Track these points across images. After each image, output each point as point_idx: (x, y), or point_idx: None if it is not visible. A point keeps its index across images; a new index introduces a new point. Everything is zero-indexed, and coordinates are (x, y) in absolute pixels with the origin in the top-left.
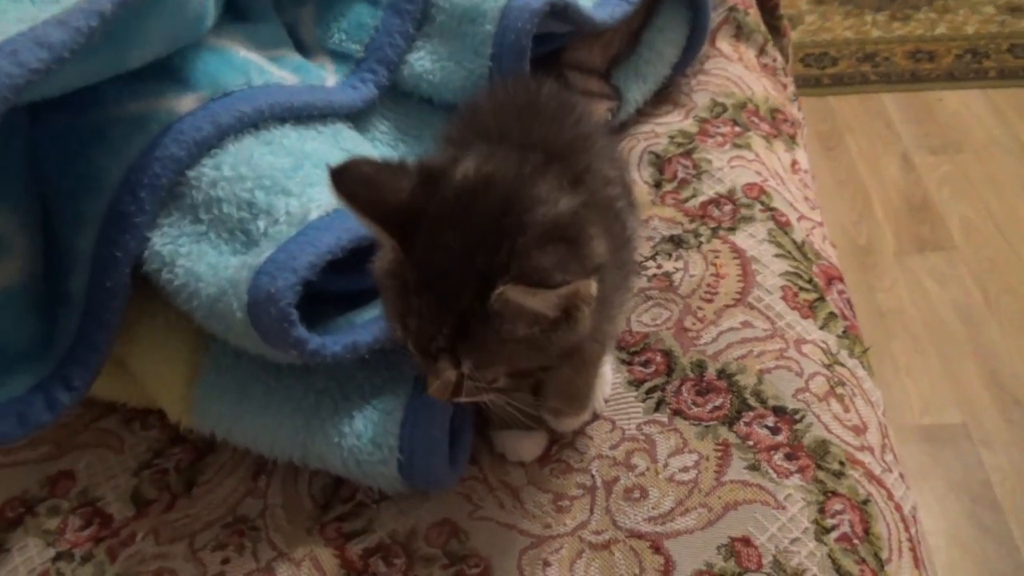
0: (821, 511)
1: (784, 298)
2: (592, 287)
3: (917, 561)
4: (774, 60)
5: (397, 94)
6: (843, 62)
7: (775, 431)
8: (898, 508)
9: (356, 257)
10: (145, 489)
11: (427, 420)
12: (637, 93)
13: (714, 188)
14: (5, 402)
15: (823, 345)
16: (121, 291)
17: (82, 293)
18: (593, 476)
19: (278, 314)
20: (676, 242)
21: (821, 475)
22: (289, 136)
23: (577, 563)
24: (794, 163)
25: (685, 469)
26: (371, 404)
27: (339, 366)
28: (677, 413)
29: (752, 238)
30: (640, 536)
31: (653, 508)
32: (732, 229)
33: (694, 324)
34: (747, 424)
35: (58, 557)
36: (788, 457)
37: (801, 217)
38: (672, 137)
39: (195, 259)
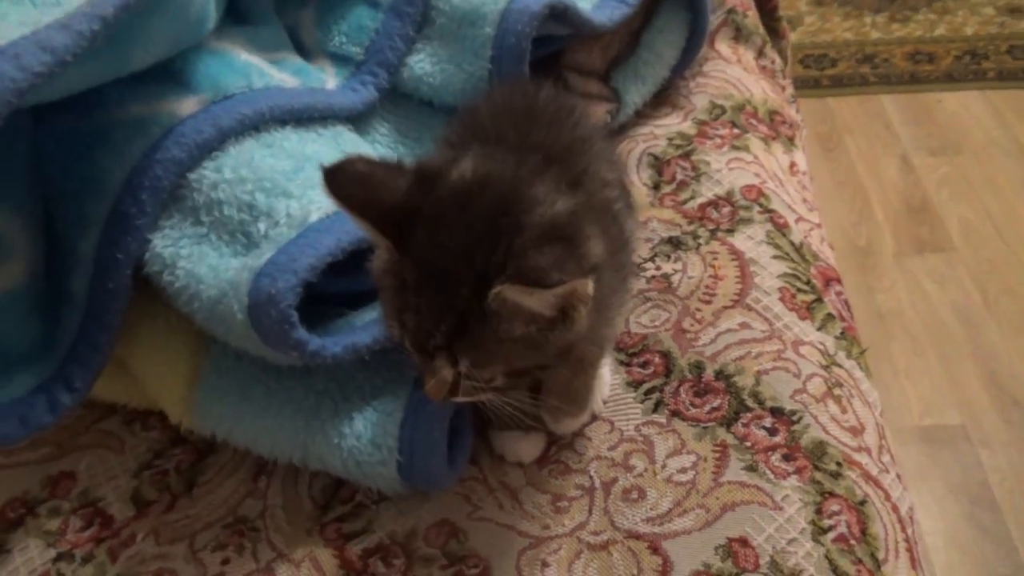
0: (818, 512)
1: (782, 299)
2: (589, 286)
3: (914, 561)
4: (773, 62)
5: (397, 96)
6: (842, 63)
7: (773, 432)
8: (895, 509)
9: (356, 259)
10: (146, 490)
11: (426, 421)
12: (636, 95)
13: (712, 190)
14: (7, 403)
15: (821, 346)
16: (122, 293)
17: (84, 295)
18: (591, 477)
19: (278, 316)
20: (675, 244)
21: (818, 476)
22: (290, 138)
23: (575, 563)
24: (792, 165)
25: (683, 470)
26: (371, 405)
27: (339, 367)
28: (675, 414)
29: (750, 240)
30: (638, 537)
31: (651, 509)
32: (730, 231)
33: (692, 325)
34: (745, 425)
35: (59, 558)
36: (785, 458)
37: (799, 219)
38: (671, 139)
39: (196, 261)
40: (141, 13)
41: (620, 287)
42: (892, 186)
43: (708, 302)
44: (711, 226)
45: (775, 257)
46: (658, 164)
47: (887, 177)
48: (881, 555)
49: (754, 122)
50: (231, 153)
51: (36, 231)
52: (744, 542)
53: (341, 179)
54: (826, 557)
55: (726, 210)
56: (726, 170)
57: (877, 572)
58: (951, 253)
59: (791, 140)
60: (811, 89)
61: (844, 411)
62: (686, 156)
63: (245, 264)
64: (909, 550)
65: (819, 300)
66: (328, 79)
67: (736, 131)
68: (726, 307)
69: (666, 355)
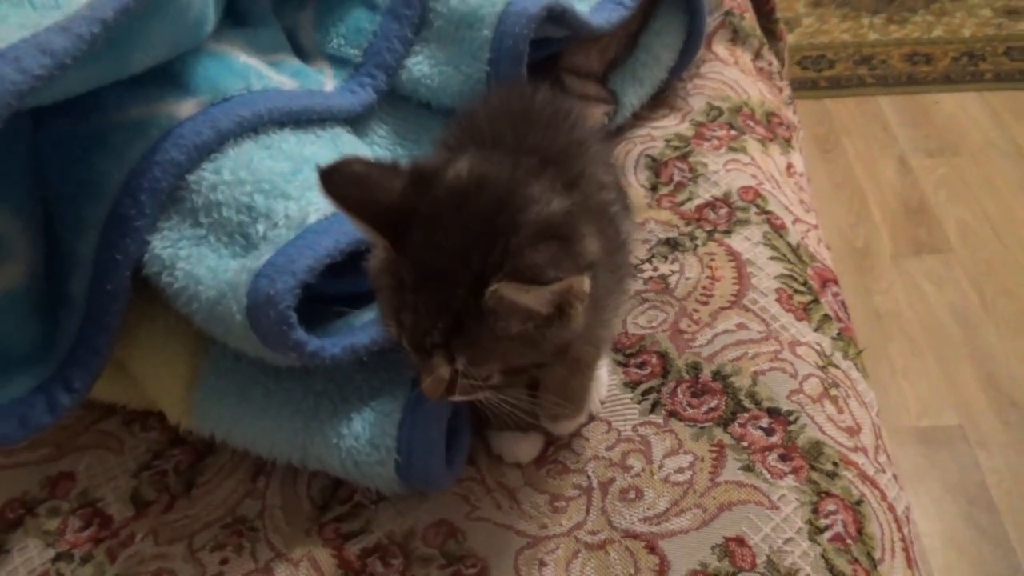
0: (815, 511)
1: (779, 300)
2: (585, 283)
3: (910, 561)
4: (770, 64)
5: (395, 98)
6: (840, 65)
7: (769, 432)
8: (891, 509)
9: (354, 260)
10: (144, 490)
11: (424, 422)
12: (634, 97)
13: (710, 191)
14: (6, 404)
15: (817, 347)
16: (121, 294)
17: (83, 296)
18: (589, 477)
19: (277, 317)
20: (672, 245)
21: (815, 476)
22: (288, 140)
23: (573, 563)
24: (789, 166)
25: (680, 470)
26: (369, 406)
27: (338, 368)
28: (672, 414)
29: (747, 241)
30: (635, 536)
31: (648, 509)
32: (728, 232)
33: (689, 326)
34: (742, 425)
35: (58, 558)
36: (782, 458)
37: (796, 220)
38: (668, 140)
39: (195, 262)
40: (140, 16)
41: (617, 288)
42: (890, 187)
43: (705, 303)
44: (708, 227)
45: (772, 258)
46: (655, 165)
47: (885, 178)
48: (877, 554)
49: (751, 124)
50: (230, 155)
51: (36, 233)
52: (741, 541)
53: (337, 180)
54: (822, 556)
55: (723, 211)
56: (723, 171)
57: (873, 571)
58: (949, 254)
59: (788, 141)
60: (809, 90)
61: (840, 411)
62: (683, 158)
63: (244, 265)
64: (905, 550)
65: (816, 301)
66: (326, 81)
67: (733, 133)
68: (723, 308)
69: (663, 356)
